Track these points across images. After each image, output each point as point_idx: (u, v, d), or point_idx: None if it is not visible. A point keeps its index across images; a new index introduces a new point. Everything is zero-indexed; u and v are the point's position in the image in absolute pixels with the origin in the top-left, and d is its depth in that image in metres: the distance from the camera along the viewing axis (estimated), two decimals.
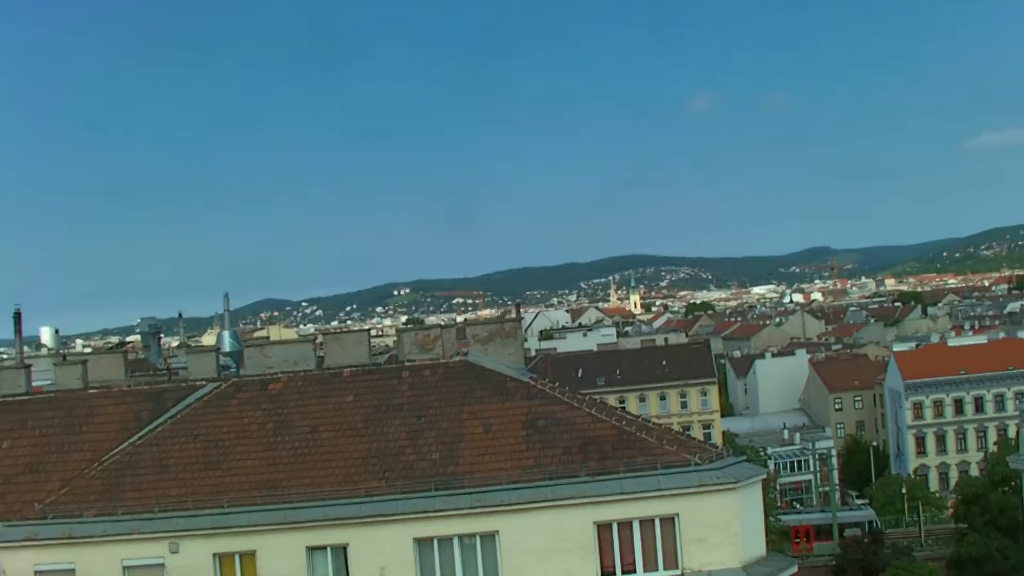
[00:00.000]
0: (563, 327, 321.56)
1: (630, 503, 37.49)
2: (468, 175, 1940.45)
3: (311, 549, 38.33)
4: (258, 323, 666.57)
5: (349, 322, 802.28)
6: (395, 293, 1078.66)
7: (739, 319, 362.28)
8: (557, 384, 45.54)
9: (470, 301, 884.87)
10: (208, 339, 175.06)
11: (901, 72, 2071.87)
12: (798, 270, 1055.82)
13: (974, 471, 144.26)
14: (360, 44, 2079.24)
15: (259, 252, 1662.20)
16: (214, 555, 38.55)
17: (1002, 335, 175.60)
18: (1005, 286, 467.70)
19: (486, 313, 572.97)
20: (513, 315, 65.18)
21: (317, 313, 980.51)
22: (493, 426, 40.71)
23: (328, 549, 38.38)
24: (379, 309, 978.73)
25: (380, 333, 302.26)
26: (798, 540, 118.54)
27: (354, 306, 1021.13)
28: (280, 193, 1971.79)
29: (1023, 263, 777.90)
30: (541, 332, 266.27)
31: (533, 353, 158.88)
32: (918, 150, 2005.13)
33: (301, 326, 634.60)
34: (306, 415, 42.66)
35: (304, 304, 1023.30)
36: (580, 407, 41.33)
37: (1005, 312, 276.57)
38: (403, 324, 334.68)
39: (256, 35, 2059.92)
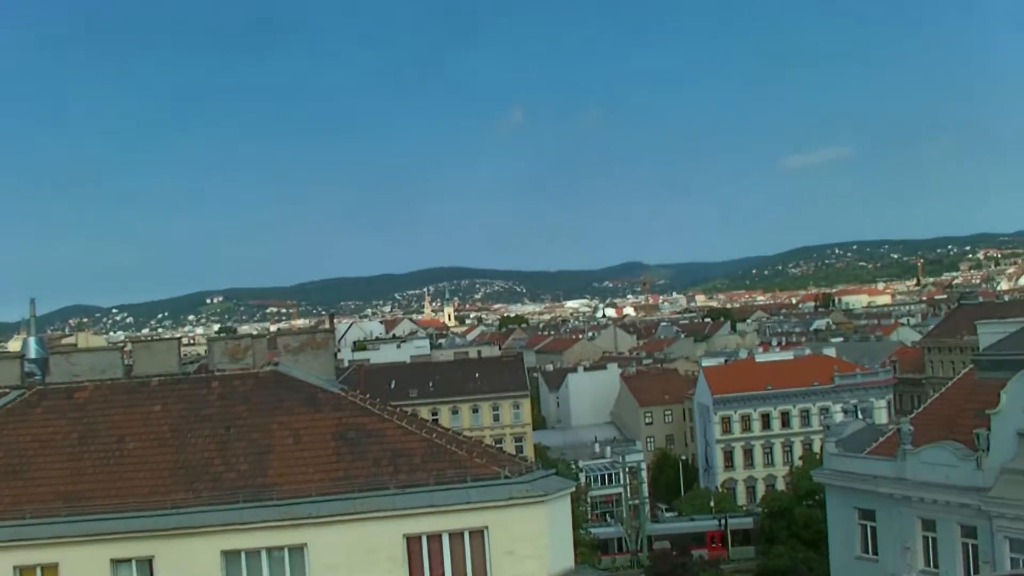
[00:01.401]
0: (377, 338, 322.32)
1: (440, 516, 37.47)
2: (282, 183, 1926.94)
3: (116, 562, 37.41)
4: (66, 329, 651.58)
5: (160, 330, 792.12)
6: (208, 301, 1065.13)
7: (552, 333, 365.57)
8: (369, 396, 45.42)
9: (284, 310, 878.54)
10: (13, 345, 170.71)
11: (716, 91, 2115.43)
12: (611, 285, 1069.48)
13: (780, 485, 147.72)
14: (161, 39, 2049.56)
15: (68, 256, 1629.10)
16: (15, 568, 37.43)
17: (808, 352, 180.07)
18: (811, 304, 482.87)
19: (300, 323, 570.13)
20: (327, 325, 64.64)
21: (127, 320, 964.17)
22: (303, 437, 40.33)
23: (133, 562, 37.49)
24: (191, 317, 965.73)
25: (192, 342, 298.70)
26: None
27: (166, 314, 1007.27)
28: (88, 194, 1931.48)
29: (829, 282, 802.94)
30: (355, 343, 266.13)
31: (346, 364, 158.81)
32: (731, 169, 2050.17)
33: (111, 333, 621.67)
34: (112, 424, 41.65)
35: (114, 311, 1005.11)
36: (391, 419, 41.19)
37: (811, 329, 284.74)
38: (216, 333, 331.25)
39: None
